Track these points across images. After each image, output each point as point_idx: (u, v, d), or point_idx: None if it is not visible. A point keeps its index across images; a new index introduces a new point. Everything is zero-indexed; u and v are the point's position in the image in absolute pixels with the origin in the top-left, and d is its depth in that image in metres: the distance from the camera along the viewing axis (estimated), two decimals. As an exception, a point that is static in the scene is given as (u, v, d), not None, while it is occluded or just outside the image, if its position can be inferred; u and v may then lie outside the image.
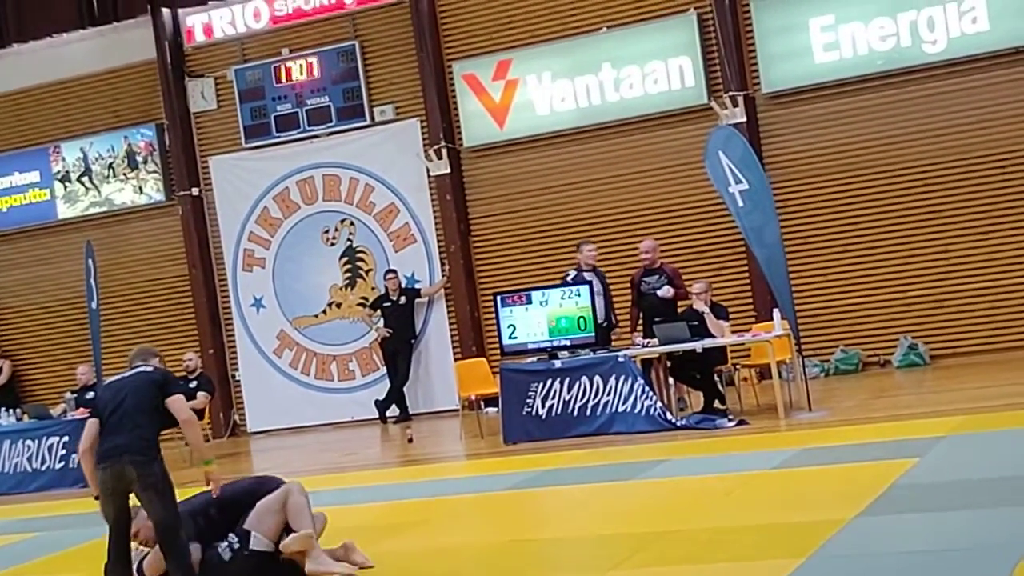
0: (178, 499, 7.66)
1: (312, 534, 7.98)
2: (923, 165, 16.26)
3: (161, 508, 7.30)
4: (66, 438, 15.54)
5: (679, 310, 14.13)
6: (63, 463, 15.50)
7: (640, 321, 14.32)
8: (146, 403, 7.43)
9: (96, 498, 7.38)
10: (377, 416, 18.22)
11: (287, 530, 8.03)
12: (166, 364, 8.14)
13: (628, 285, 14.70)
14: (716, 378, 13.72)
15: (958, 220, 16.12)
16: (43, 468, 15.60)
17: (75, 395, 16.36)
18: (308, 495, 8.19)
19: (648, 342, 13.55)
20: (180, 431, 16.66)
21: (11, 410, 16.70)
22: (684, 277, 14.88)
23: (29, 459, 15.70)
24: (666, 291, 14.06)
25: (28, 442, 15.72)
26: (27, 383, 21.15)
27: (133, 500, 7.39)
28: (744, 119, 16.56)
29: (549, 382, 13.48)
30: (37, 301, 21.17)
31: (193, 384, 16.32)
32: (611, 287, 14.89)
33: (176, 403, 7.50)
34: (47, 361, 21.06)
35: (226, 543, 7.95)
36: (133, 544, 7.80)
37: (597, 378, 13.28)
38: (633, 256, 15.54)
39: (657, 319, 13.81)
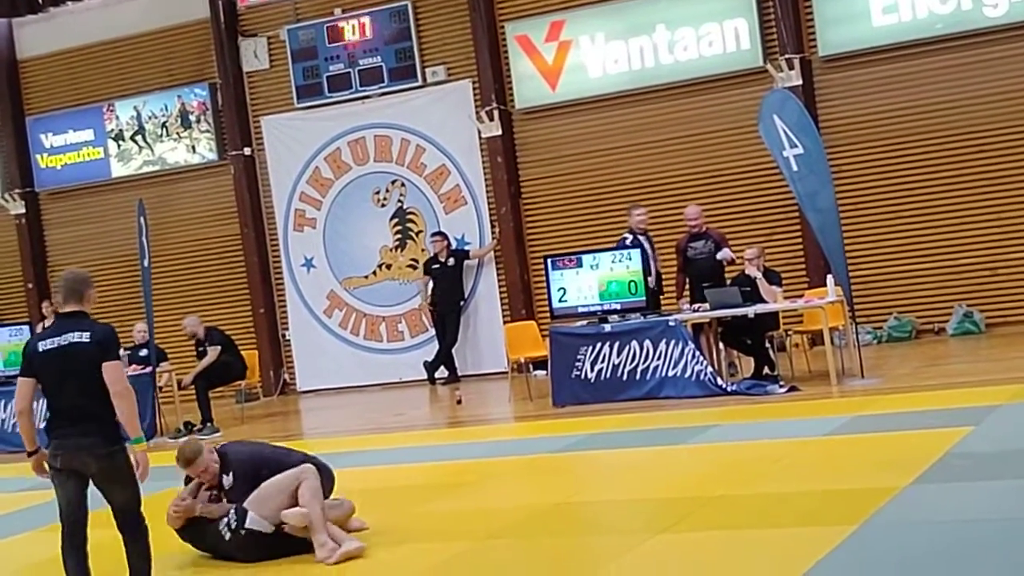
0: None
1: (307, 513, 7.82)
2: (980, 131, 16.02)
3: (122, 495, 6.71)
4: (118, 395, 15.59)
5: (727, 275, 14.04)
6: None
7: (687, 287, 14.23)
8: (91, 383, 6.67)
9: (30, 454, 6.82)
10: (426, 377, 18.24)
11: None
12: (97, 293, 7.30)
13: (676, 250, 14.60)
14: (767, 344, 13.61)
15: (1015, 187, 15.88)
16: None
17: (128, 352, 16.43)
18: (320, 479, 8.05)
19: (698, 307, 13.47)
20: (228, 388, 16.70)
21: (64, 366, 16.78)
22: (736, 242, 14.76)
23: (82, 415, 15.78)
24: (725, 254, 13.95)
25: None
26: (80, 340, 21.29)
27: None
28: (800, 82, 16.36)
29: (599, 346, 13.43)
30: (90, 258, 21.25)
31: (205, 346, 16.22)
32: (659, 251, 14.81)
33: (111, 371, 6.72)
34: (100, 318, 20.77)
35: (224, 521, 7.96)
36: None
37: (647, 342, 13.22)
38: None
39: (704, 284, 13.74)
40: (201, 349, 16.25)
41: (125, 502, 6.70)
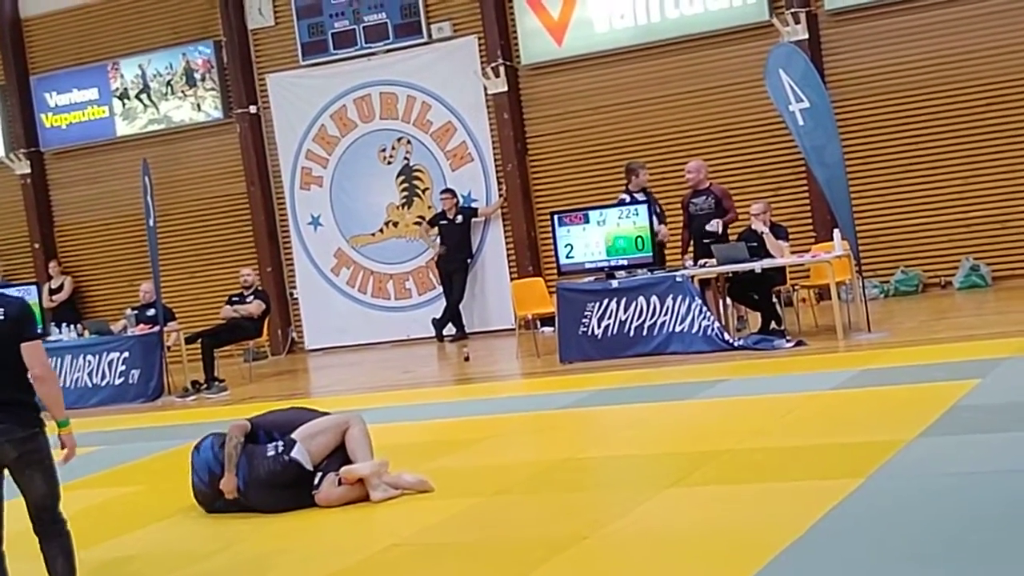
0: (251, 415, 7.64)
1: (386, 462, 8.13)
2: (987, 83, 15.95)
3: (44, 485, 6.01)
4: (126, 354, 15.73)
5: (729, 232, 14.03)
6: (123, 378, 15.70)
7: (691, 243, 14.22)
8: (9, 362, 5.99)
9: None
10: (434, 334, 18.27)
11: (333, 458, 8.13)
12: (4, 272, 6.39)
13: (680, 206, 14.58)
14: (774, 299, 13.62)
15: (1022, 139, 15.82)
16: (103, 383, 15.79)
17: (135, 311, 16.50)
18: (368, 432, 8.25)
19: (704, 262, 13.47)
20: (236, 347, 16.71)
21: (72, 326, 16.88)
22: (743, 197, 14.73)
23: (90, 374, 15.89)
24: (714, 224, 13.88)
25: (89, 357, 15.91)
26: (87, 299, 21.36)
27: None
28: (806, 36, 16.28)
29: (606, 302, 13.44)
30: (97, 218, 21.32)
31: (250, 299, 16.43)
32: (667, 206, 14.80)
33: (31, 350, 6.02)
34: (107, 277, 21.24)
35: (272, 444, 8.13)
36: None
37: (654, 298, 13.23)
38: (692, 175, 15.41)
39: (705, 240, 13.74)
40: (237, 299, 16.37)
41: (45, 494, 6.00)
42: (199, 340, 15.96)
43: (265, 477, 8.01)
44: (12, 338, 5.99)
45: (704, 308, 13.02)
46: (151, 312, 16.17)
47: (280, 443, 8.09)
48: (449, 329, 18.23)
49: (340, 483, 8.02)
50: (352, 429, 8.16)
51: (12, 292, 17.06)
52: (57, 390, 6.22)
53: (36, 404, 6.08)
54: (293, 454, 8.02)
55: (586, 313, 13.53)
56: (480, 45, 18.41)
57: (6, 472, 6.05)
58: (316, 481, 8.05)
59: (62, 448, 6.13)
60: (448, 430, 10.68)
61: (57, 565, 6.04)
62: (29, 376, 6.04)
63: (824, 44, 16.63)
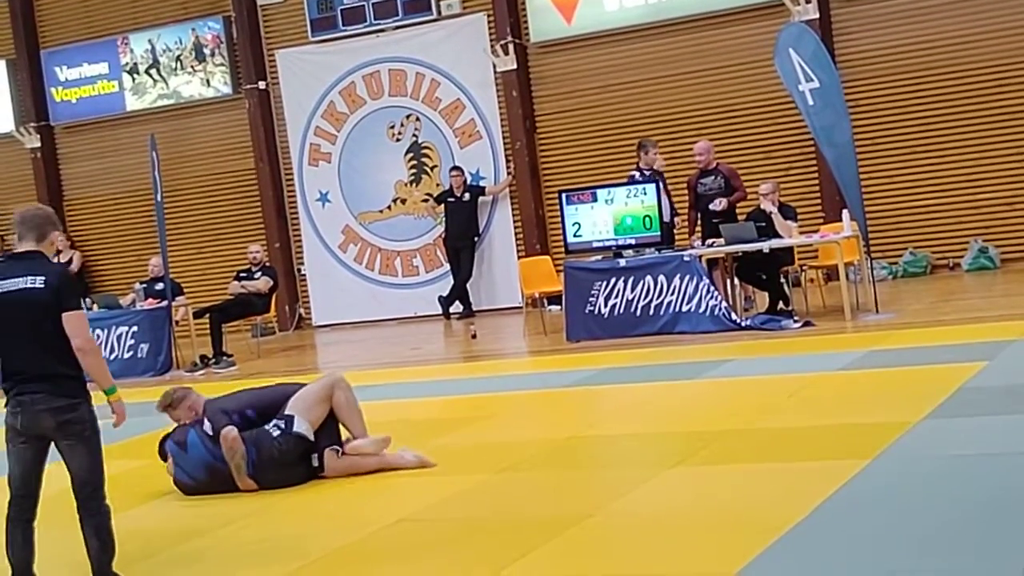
0: (217, 394, 7.61)
1: (388, 438, 8.21)
2: (998, 64, 15.91)
3: (88, 460, 5.87)
4: (135, 328, 15.77)
5: (737, 212, 14.02)
6: (132, 352, 15.74)
7: (699, 224, 14.21)
8: (48, 332, 5.82)
9: None
10: (440, 312, 18.28)
11: (325, 432, 8.17)
12: (56, 241, 6.19)
13: (687, 187, 14.57)
14: (782, 279, 13.60)
15: (1034, 122, 15.81)
16: (112, 357, 15.80)
17: (144, 286, 16.53)
18: (354, 396, 8.30)
19: (712, 242, 13.46)
20: (244, 322, 16.65)
21: (81, 299, 16.88)
22: (751, 177, 14.69)
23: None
24: (717, 203, 13.88)
25: (97, 331, 15.90)
26: (96, 273, 21.40)
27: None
28: (816, 16, 16.23)
29: (613, 281, 13.43)
30: (106, 192, 21.34)
31: (258, 275, 16.44)
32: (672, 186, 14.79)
33: (73, 321, 5.84)
34: (116, 252, 21.27)
35: (273, 423, 8.15)
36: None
37: (661, 277, 13.21)
38: (701, 155, 15.38)
39: (714, 220, 13.73)
40: (245, 275, 16.39)
41: (86, 468, 5.87)
42: (207, 315, 15.99)
43: (278, 456, 8.04)
44: (51, 307, 5.82)
45: (711, 288, 13.01)
46: (159, 286, 16.21)
47: (281, 421, 8.12)
48: (456, 307, 18.24)
49: (341, 455, 8.09)
50: (338, 394, 8.19)
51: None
52: (100, 360, 6.08)
53: (80, 376, 5.92)
54: (296, 428, 8.07)
55: (593, 292, 13.52)
56: (489, 22, 18.37)
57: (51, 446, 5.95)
58: (316, 463, 8.11)
59: (112, 415, 6.09)
60: (455, 407, 10.70)
61: (91, 546, 5.92)
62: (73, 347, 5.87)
63: (835, 24, 16.59)
